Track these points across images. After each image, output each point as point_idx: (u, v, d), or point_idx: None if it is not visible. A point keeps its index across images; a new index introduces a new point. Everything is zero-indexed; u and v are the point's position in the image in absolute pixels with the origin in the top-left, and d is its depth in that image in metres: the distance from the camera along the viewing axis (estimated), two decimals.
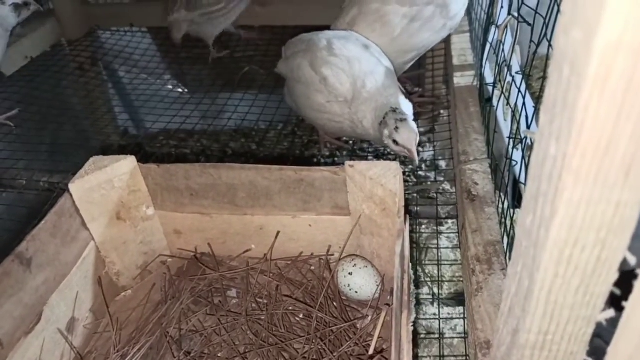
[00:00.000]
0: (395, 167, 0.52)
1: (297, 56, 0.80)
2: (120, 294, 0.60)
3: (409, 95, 1.05)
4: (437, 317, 0.61)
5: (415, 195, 0.81)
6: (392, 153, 0.84)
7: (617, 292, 0.31)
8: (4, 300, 0.46)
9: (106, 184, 0.56)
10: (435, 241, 0.72)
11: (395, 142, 0.70)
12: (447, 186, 0.83)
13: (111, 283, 0.59)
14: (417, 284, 0.67)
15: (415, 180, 0.93)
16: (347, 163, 0.53)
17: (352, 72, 0.74)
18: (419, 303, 0.62)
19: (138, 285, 0.61)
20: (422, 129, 1.04)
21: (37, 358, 0.48)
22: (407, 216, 0.59)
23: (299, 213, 0.58)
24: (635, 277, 0.28)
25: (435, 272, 0.68)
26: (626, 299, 0.30)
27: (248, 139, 1.06)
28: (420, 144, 1.01)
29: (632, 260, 0.29)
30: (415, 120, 0.72)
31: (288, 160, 0.96)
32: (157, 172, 0.57)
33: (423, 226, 0.75)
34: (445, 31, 0.86)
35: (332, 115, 0.77)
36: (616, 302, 0.31)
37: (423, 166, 0.98)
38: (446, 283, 0.66)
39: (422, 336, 0.60)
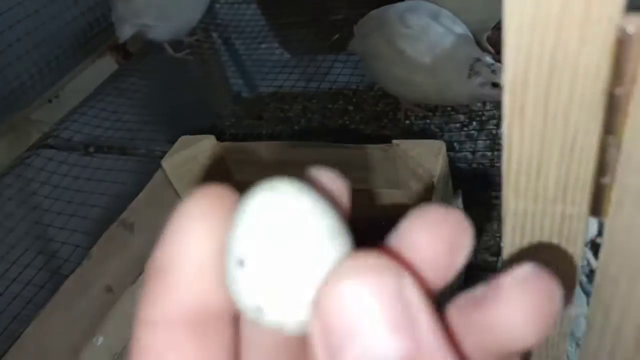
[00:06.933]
0: (438, 146, 0.54)
1: (372, 35, 0.82)
2: None
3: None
4: None
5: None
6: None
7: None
8: (112, 257, 0.58)
9: (192, 159, 0.66)
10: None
11: (494, 85, 0.72)
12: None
13: None
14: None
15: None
16: (394, 141, 0.57)
17: (429, 41, 0.75)
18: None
19: None
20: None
21: None
22: (459, 191, 0.61)
23: (355, 185, 0.63)
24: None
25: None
26: None
27: (345, 99, 1.11)
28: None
29: (595, 263, 0.30)
30: None
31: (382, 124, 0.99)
32: (232, 148, 0.66)
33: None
34: None
35: (416, 86, 0.79)
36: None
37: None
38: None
39: None
